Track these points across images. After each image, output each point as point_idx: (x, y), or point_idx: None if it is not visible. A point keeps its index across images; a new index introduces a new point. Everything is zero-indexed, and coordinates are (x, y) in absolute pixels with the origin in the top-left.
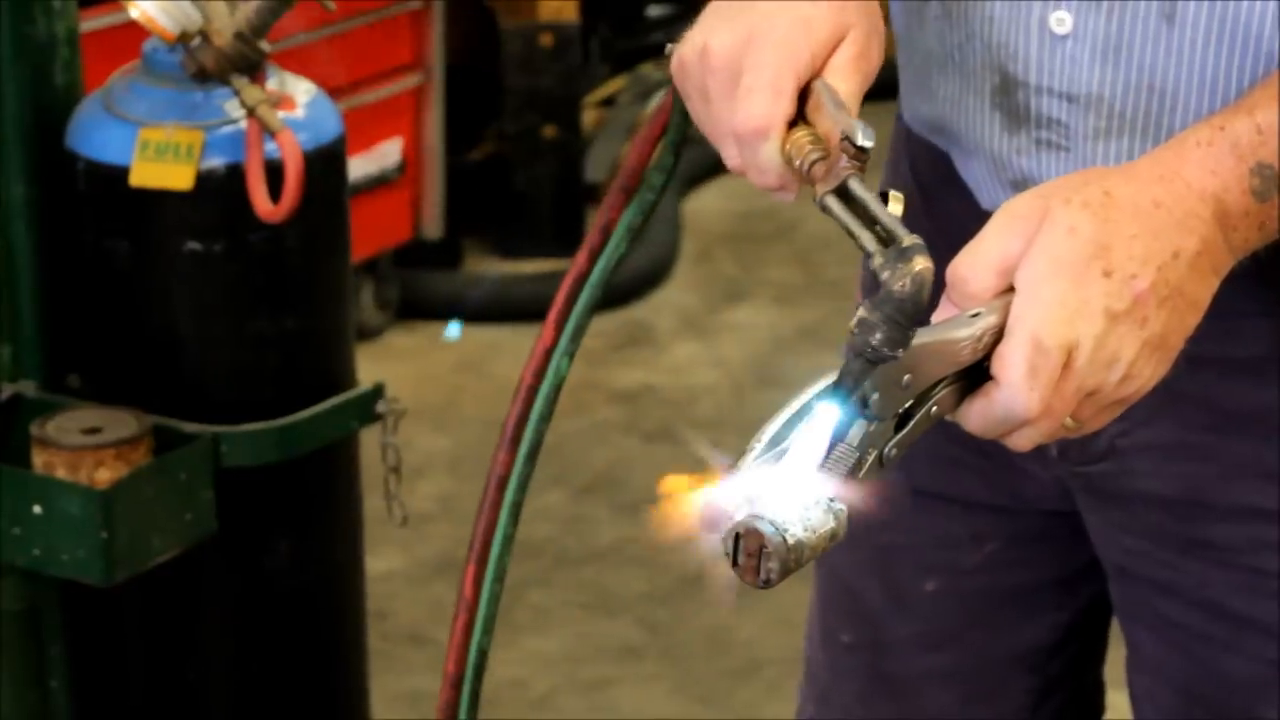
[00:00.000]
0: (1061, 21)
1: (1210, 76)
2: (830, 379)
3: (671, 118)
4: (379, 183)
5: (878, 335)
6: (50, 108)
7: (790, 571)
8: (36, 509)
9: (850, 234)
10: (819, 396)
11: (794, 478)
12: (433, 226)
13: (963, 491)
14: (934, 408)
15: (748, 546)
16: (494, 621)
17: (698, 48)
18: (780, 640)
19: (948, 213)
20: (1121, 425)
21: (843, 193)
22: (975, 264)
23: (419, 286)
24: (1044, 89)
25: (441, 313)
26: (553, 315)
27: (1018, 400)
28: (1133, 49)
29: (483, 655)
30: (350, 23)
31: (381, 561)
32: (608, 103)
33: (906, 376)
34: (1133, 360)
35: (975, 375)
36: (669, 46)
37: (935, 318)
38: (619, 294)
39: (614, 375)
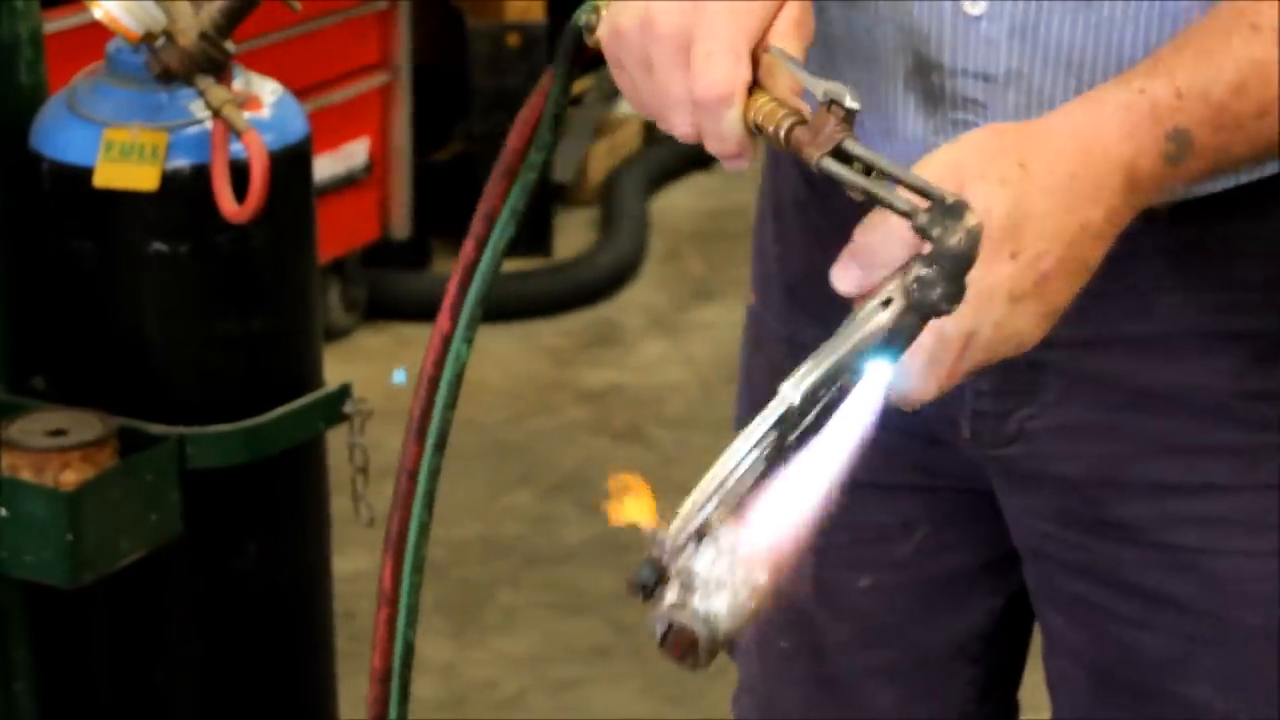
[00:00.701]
0: (975, 3)
1: (1129, 52)
2: (760, 426)
3: (550, 94)
4: (346, 183)
5: (938, 291)
6: (14, 109)
7: (715, 656)
8: (1, 512)
9: (872, 195)
10: (857, 361)
11: (728, 556)
12: (400, 226)
13: (883, 475)
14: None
15: (678, 637)
16: (417, 613)
17: (638, 16)
18: None
19: (844, 207)
20: (1030, 409)
21: (840, 155)
22: (886, 233)
23: (387, 287)
24: (959, 70)
25: (409, 313)
26: (448, 302)
27: (914, 387)
28: (1050, 27)
29: (409, 648)
30: (316, 23)
31: (349, 562)
32: (574, 102)
33: (825, 390)
34: (1030, 332)
35: None
36: (580, 17)
37: (836, 273)
38: (587, 293)
39: (582, 375)
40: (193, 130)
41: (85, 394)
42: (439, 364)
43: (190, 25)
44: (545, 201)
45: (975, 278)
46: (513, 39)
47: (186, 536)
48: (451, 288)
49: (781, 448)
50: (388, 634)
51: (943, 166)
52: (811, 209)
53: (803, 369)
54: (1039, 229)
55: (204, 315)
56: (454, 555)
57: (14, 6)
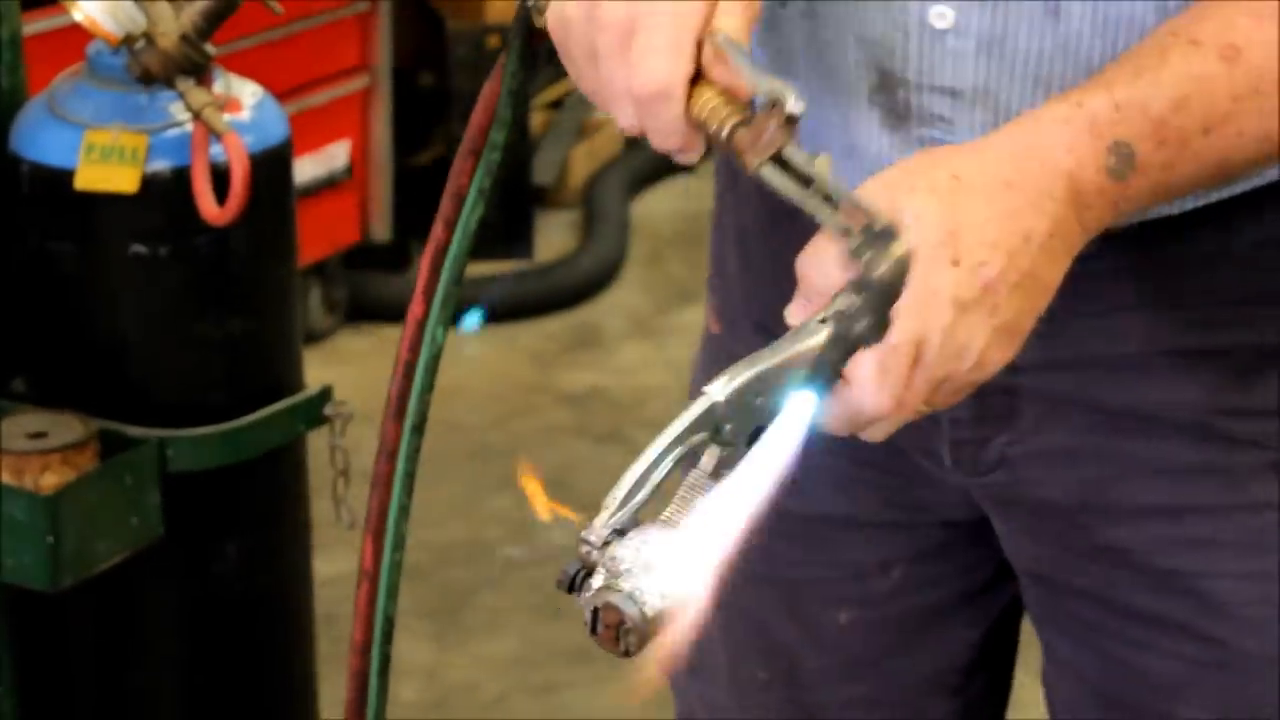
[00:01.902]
0: (942, 16)
1: (1096, 68)
2: (678, 426)
3: (506, 69)
4: (327, 185)
5: (863, 323)
6: None
7: (650, 641)
8: None
9: (806, 210)
10: (796, 382)
11: (663, 536)
12: (381, 229)
13: (863, 511)
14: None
15: (606, 619)
16: (398, 588)
17: (584, 5)
18: None
19: (801, 229)
20: (1010, 435)
21: (779, 162)
22: (820, 261)
23: (367, 289)
24: (926, 86)
25: (390, 315)
26: (420, 286)
27: (868, 400)
28: (1017, 42)
29: (389, 621)
30: (297, 25)
31: (330, 565)
32: (555, 105)
33: (760, 399)
34: (984, 348)
35: None
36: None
37: (789, 312)
38: (568, 296)
39: (563, 378)
40: (173, 132)
41: (65, 396)
42: (414, 348)
43: (171, 27)
44: (525, 203)
45: (917, 282)
46: (493, 41)
47: (167, 539)
48: (424, 270)
49: (719, 461)
50: (368, 609)
51: (878, 185)
52: (776, 237)
53: (731, 370)
54: (979, 237)
55: (184, 318)
56: (436, 558)
57: None
